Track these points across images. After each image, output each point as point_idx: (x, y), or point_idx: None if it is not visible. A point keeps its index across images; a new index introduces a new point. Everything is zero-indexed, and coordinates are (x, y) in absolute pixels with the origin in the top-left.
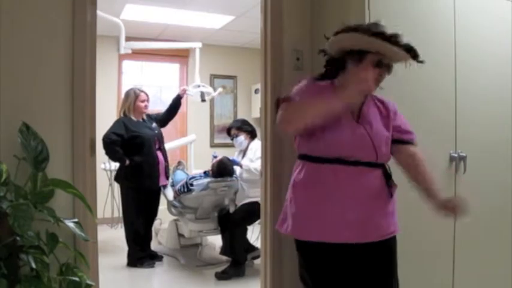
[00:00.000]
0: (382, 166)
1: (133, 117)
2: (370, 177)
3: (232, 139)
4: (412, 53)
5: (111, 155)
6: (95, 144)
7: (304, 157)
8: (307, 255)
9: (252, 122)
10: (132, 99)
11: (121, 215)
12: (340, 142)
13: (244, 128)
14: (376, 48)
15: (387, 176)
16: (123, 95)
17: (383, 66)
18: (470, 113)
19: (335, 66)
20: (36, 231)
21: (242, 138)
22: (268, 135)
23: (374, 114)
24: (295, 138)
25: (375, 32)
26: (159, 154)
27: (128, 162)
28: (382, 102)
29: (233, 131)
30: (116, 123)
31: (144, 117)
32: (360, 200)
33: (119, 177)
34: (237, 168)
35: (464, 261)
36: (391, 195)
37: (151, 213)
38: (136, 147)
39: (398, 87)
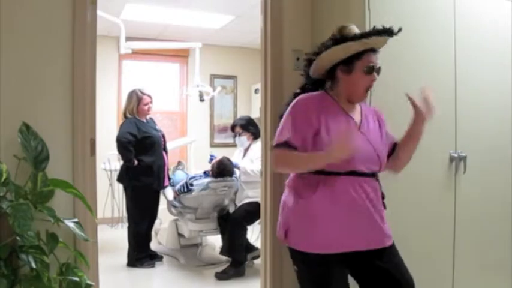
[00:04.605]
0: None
1: (139, 118)
2: (372, 185)
3: (235, 136)
4: (392, 33)
5: (126, 153)
6: (94, 144)
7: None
8: (312, 266)
9: None
10: (135, 103)
11: (121, 215)
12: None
13: (250, 128)
14: (372, 45)
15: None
16: (123, 95)
17: (374, 71)
18: (471, 113)
19: (316, 85)
20: (36, 231)
21: (245, 138)
22: (268, 135)
23: (373, 124)
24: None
25: (363, 34)
26: (164, 155)
27: (136, 163)
28: (373, 110)
29: (237, 129)
30: (128, 123)
31: (148, 118)
32: (363, 208)
33: (124, 177)
34: (236, 170)
35: (464, 262)
36: (384, 205)
37: (153, 213)
38: (147, 148)
39: (398, 87)
